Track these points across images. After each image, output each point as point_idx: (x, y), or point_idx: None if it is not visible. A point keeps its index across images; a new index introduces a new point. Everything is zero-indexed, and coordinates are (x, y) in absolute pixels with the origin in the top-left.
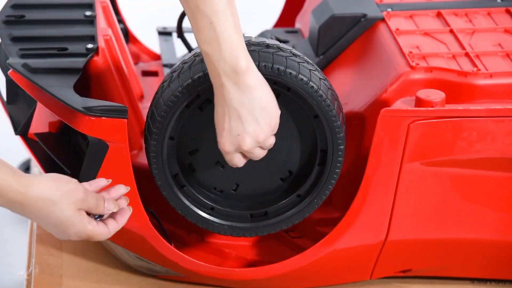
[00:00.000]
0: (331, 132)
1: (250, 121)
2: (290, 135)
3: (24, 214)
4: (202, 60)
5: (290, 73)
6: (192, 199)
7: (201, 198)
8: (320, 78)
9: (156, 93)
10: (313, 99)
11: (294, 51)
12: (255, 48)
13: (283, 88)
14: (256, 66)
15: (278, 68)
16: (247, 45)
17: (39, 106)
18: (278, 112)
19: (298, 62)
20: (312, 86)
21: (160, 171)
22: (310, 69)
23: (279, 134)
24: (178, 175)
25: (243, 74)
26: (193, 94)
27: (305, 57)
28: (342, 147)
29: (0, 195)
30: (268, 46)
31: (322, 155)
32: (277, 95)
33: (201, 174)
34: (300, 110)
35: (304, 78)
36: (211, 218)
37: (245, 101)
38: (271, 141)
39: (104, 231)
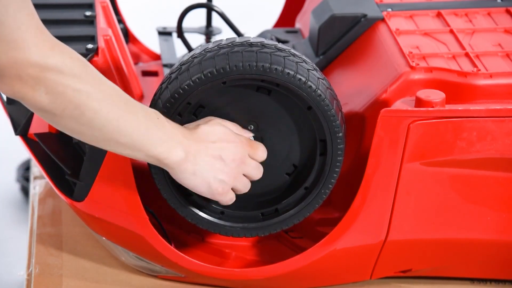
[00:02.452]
0: (326, 121)
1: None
2: (288, 130)
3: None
4: (200, 62)
5: (276, 68)
6: (201, 206)
7: (209, 203)
8: (318, 78)
9: (155, 94)
10: (303, 91)
11: (292, 50)
12: (239, 49)
13: (272, 84)
14: (240, 66)
15: (263, 66)
16: (230, 46)
17: None
18: (235, 149)
19: (296, 62)
20: (300, 79)
21: (164, 183)
22: (308, 69)
23: (278, 130)
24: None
25: (186, 161)
26: (192, 96)
27: (303, 56)
28: (340, 134)
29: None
30: (251, 44)
31: (322, 145)
32: (268, 92)
33: None
34: (293, 103)
35: (291, 72)
36: (222, 222)
37: (204, 165)
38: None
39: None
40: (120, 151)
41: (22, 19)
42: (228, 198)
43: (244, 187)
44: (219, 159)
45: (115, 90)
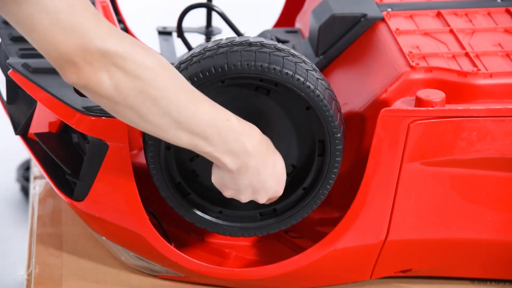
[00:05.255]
0: (325, 122)
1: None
2: (287, 130)
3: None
4: (199, 60)
5: (274, 68)
6: (199, 205)
7: (207, 203)
8: (317, 78)
9: None
10: (301, 91)
11: (291, 50)
12: (238, 48)
13: (271, 84)
14: (239, 65)
15: (262, 65)
16: (229, 46)
17: (39, 106)
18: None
19: (295, 62)
20: (298, 79)
21: (162, 182)
22: (306, 69)
23: (276, 130)
24: (180, 183)
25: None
26: None
27: (303, 56)
28: (339, 135)
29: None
30: (250, 44)
31: (320, 146)
32: (267, 91)
33: (205, 178)
34: (292, 103)
35: (289, 72)
36: (220, 221)
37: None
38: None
39: None
40: (174, 140)
41: (76, 6)
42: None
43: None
44: (261, 186)
45: (180, 79)
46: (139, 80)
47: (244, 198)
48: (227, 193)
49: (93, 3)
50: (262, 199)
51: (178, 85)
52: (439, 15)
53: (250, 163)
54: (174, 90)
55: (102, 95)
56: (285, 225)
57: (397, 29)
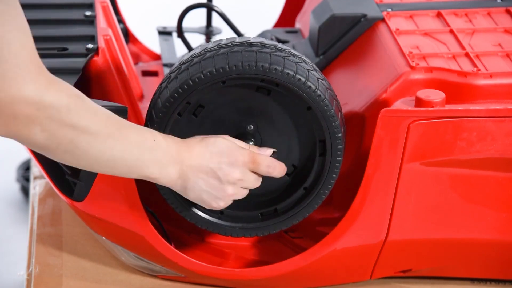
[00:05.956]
0: (326, 122)
1: (217, 182)
2: (287, 130)
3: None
4: (200, 61)
5: (275, 68)
6: (200, 206)
7: None
8: (318, 78)
9: (155, 94)
10: (302, 91)
11: (292, 50)
12: (239, 49)
13: (272, 84)
14: (240, 66)
15: (263, 66)
16: (229, 46)
17: None
18: (231, 148)
19: (296, 62)
20: (299, 79)
21: None
22: (307, 69)
23: (277, 130)
24: None
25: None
26: (191, 95)
27: (303, 57)
28: (340, 135)
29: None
30: (251, 44)
31: (321, 145)
32: (268, 92)
33: None
34: (293, 103)
35: (290, 72)
36: (221, 222)
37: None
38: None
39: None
40: (115, 174)
41: (23, 57)
42: (223, 206)
43: (242, 196)
44: (214, 177)
45: (109, 118)
46: (72, 129)
47: (219, 204)
48: (213, 206)
49: (93, 3)
50: (236, 196)
51: (104, 120)
52: (439, 15)
53: (184, 165)
54: (105, 128)
55: (34, 146)
56: (286, 225)
57: (397, 29)
